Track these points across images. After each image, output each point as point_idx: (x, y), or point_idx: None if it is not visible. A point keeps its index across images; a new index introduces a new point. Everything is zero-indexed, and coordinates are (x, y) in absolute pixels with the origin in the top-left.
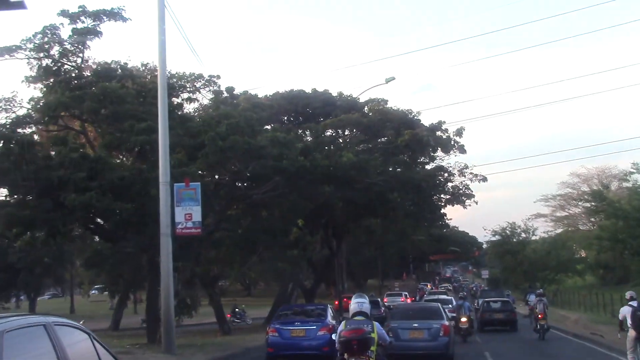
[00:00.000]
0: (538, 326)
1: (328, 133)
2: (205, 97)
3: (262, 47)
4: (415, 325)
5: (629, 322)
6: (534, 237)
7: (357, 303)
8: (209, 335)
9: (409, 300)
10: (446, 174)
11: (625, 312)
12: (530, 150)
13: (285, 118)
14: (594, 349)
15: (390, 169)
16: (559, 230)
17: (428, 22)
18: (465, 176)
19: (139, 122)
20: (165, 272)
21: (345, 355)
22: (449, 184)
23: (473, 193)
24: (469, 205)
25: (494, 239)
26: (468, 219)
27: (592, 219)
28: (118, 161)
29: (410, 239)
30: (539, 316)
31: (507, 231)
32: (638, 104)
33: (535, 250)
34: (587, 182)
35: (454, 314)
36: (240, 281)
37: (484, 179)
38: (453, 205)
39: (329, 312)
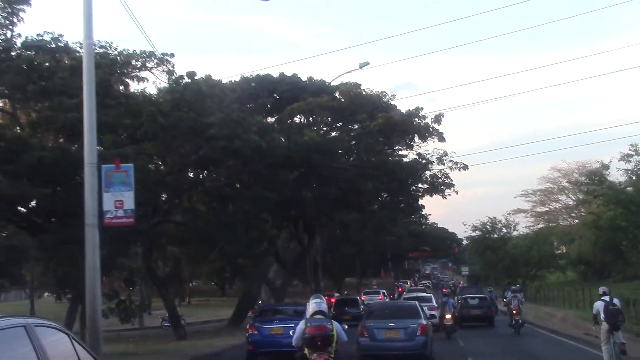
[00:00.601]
0: (513, 321)
1: (296, 120)
2: (159, 79)
3: (234, 41)
4: (392, 324)
5: (602, 315)
6: (515, 233)
7: (316, 303)
8: (163, 340)
9: (386, 299)
10: (424, 162)
11: (598, 306)
12: (512, 142)
13: (250, 105)
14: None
15: (365, 159)
16: (540, 226)
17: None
18: (444, 164)
19: (71, 98)
20: (90, 269)
21: (306, 351)
22: (427, 173)
23: (453, 182)
24: (449, 195)
25: (474, 234)
26: (447, 216)
27: (575, 212)
28: (38, 141)
29: (388, 234)
30: (514, 312)
31: (488, 226)
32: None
33: (516, 245)
34: (567, 177)
35: (434, 312)
36: (214, 280)
37: (465, 167)
38: (432, 196)
39: (307, 310)
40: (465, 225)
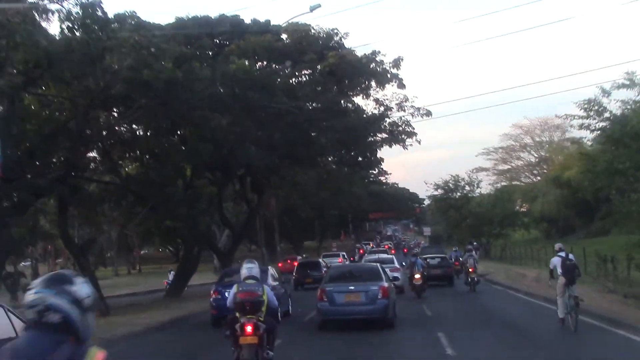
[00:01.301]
0: (469, 279)
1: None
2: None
3: None
4: (352, 288)
5: (559, 270)
6: (478, 190)
7: (247, 268)
8: None
9: (346, 262)
10: (382, 108)
11: (555, 262)
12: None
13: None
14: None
15: (313, 102)
16: (502, 184)
17: None
18: (405, 110)
19: None
20: None
21: (237, 314)
22: (386, 120)
23: (414, 130)
24: (410, 145)
25: (436, 193)
26: (409, 176)
27: (537, 169)
28: None
29: (346, 196)
30: (470, 270)
31: (450, 184)
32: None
33: (480, 204)
34: (529, 134)
35: (397, 274)
36: (167, 247)
37: (428, 113)
38: (391, 146)
39: (270, 273)
40: (427, 184)
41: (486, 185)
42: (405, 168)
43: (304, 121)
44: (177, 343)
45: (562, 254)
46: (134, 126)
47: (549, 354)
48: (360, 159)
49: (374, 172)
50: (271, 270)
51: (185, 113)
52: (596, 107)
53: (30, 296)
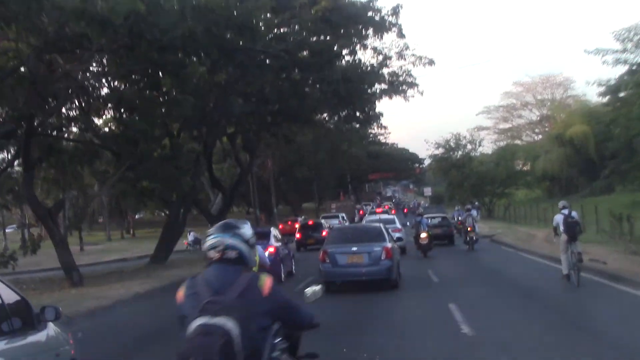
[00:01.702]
0: (468, 238)
1: None
2: None
3: None
4: (354, 249)
5: (561, 227)
6: (480, 149)
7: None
8: (55, 286)
9: (346, 223)
10: (380, 57)
11: (558, 219)
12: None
13: None
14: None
15: (306, 52)
16: (503, 143)
17: None
18: (405, 59)
19: None
20: None
21: None
22: (386, 70)
23: (416, 81)
24: (412, 96)
25: (437, 152)
26: (408, 136)
27: (539, 128)
28: None
29: (345, 156)
30: (468, 229)
31: (452, 143)
32: None
33: (482, 162)
34: (531, 91)
35: (399, 234)
36: (163, 211)
37: (431, 62)
38: (391, 98)
39: (273, 234)
40: (427, 143)
41: (487, 144)
42: (405, 128)
43: (294, 69)
44: (143, 319)
45: (565, 211)
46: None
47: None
48: (358, 114)
49: (373, 129)
50: (274, 232)
51: (156, 58)
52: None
53: (210, 240)
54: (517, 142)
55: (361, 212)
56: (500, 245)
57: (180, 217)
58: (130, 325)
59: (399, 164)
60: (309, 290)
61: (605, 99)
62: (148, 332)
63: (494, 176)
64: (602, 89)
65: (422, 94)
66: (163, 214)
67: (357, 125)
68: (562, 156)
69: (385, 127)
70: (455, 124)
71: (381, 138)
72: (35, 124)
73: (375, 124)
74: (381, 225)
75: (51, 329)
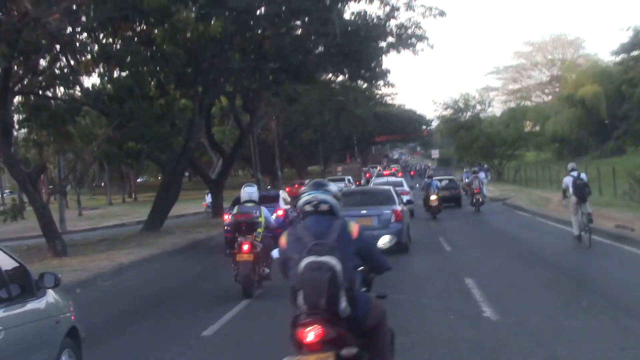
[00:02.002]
0: (474, 200)
1: None
2: None
3: None
4: (364, 212)
5: (570, 190)
6: (490, 110)
7: (247, 193)
8: (38, 255)
9: (352, 186)
10: (387, 8)
11: (567, 181)
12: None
13: None
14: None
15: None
16: (512, 104)
17: None
18: (414, 10)
19: None
20: None
21: (236, 234)
22: (393, 22)
23: (425, 35)
24: (421, 50)
25: (445, 113)
26: (415, 97)
27: (549, 89)
28: None
29: (350, 117)
30: (475, 191)
31: (460, 104)
32: None
33: (491, 123)
34: (541, 51)
35: (407, 197)
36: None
37: (442, 13)
38: (399, 52)
39: (282, 197)
40: (435, 103)
41: (497, 105)
42: (413, 90)
43: (291, 18)
44: (115, 298)
45: (575, 173)
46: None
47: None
48: (363, 71)
49: (380, 89)
50: (283, 194)
51: (135, 2)
52: None
53: (305, 197)
54: (527, 103)
55: (367, 174)
56: (513, 209)
57: (175, 180)
58: (102, 304)
59: (406, 126)
60: (384, 238)
61: (619, 58)
62: (117, 312)
63: (504, 138)
64: (615, 47)
65: (432, 47)
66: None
67: (364, 85)
68: (572, 117)
69: (392, 85)
70: (464, 85)
71: (388, 99)
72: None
73: (382, 81)
74: (391, 187)
75: (50, 295)
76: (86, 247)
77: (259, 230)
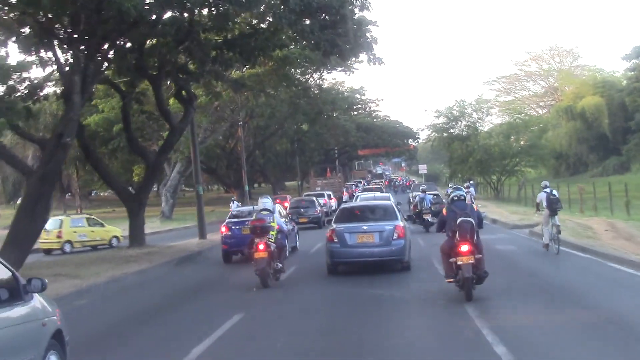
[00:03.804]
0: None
1: None
2: None
3: None
4: (365, 227)
5: (544, 204)
6: (488, 119)
7: (262, 203)
8: None
9: (332, 201)
10: None
11: (542, 197)
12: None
13: None
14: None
15: None
16: (506, 118)
17: None
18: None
19: None
20: None
21: (252, 236)
22: None
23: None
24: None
25: (437, 121)
26: (403, 109)
27: (544, 101)
28: None
29: (329, 122)
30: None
31: (454, 111)
32: None
33: (491, 134)
34: (536, 60)
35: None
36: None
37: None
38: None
39: (278, 210)
40: (426, 111)
41: (492, 116)
42: (401, 101)
43: None
44: None
45: (548, 190)
46: None
47: None
48: (335, 38)
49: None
50: (278, 208)
51: None
52: None
53: (454, 193)
54: (519, 117)
55: (350, 191)
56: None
57: (41, 194)
58: None
59: (391, 139)
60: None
61: (630, 64)
62: None
63: (504, 151)
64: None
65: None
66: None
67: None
68: (571, 131)
69: (380, 61)
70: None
71: (372, 105)
72: None
73: (367, 54)
74: (392, 202)
75: (37, 300)
76: None
77: (272, 233)
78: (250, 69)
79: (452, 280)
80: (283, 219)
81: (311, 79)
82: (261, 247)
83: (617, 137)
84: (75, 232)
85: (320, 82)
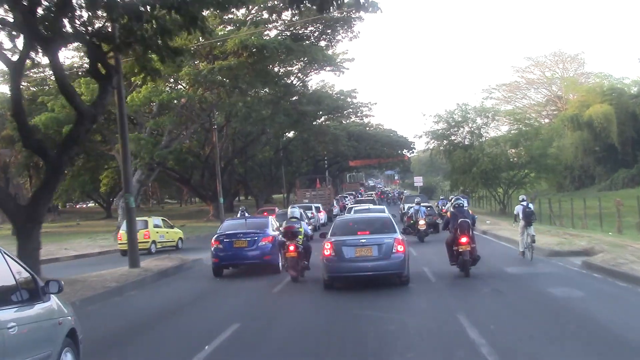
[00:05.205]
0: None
1: None
2: None
3: None
4: (363, 240)
5: (520, 216)
6: (493, 124)
7: (291, 212)
8: None
9: (320, 214)
10: None
11: (518, 209)
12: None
13: None
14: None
15: None
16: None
17: None
18: None
19: None
20: None
21: (285, 239)
22: None
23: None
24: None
25: (437, 127)
26: (398, 119)
27: (547, 110)
28: None
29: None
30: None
31: (456, 115)
32: None
33: (496, 141)
34: (539, 67)
35: None
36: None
37: None
38: None
39: (271, 222)
40: (424, 115)
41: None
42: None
43: None
44: None
45: (524, 203)
46: None
47: None
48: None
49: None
50: (272, 221)
51: None
52: None
53: (457, 202)
54: (521, 125)
55: (341, 203)
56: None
57: None
58: None
59: (384, 149)
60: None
61: None
62: None
63: (511, 161)
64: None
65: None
66: (97, 203)
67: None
68: (577, 141)
69: (374, 7)
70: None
71: (364, 110)
72: None
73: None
74: (389, 214)
75: (54, 300)
76: None
77: (300, 237)
78: (221, 61)
79: (454, 263)
80: (276, 233)
81: (295, 78)
82: (291, 248)
83: (627, 148)
84: (157, 232)
85: (305, 78)
